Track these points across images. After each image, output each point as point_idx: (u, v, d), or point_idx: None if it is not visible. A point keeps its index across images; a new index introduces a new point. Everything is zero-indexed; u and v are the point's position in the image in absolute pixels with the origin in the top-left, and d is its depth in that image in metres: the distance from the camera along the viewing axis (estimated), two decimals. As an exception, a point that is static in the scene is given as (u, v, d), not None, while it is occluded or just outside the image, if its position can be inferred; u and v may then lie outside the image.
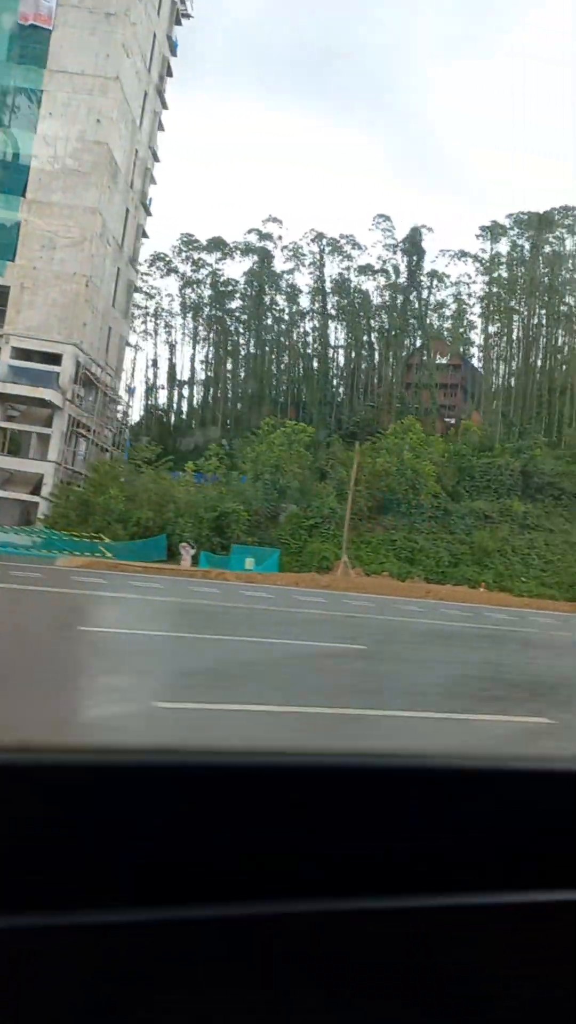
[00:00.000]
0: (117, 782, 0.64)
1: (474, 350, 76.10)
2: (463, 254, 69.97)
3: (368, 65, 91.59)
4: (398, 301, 69.75)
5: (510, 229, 68.80)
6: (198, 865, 0.65)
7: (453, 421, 66.00)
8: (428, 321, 71.91)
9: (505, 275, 71.36)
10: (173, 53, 50.54)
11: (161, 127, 50.87)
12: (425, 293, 71.64)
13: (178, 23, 50.45)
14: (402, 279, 64.82)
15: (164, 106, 50.55)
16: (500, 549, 40.10)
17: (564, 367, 64.66)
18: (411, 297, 64.95)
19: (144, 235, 51.65)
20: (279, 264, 67.93)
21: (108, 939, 0.60)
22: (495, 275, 71.46)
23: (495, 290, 70.89)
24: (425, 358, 69.22)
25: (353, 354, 71.45)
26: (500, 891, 0.74)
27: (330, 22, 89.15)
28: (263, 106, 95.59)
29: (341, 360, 72.47)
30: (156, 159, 51.07)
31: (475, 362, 75.74)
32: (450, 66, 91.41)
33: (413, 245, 62.99)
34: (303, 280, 66.64)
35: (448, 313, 72.59)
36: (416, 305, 66.61)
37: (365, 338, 70.97)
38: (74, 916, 0.59)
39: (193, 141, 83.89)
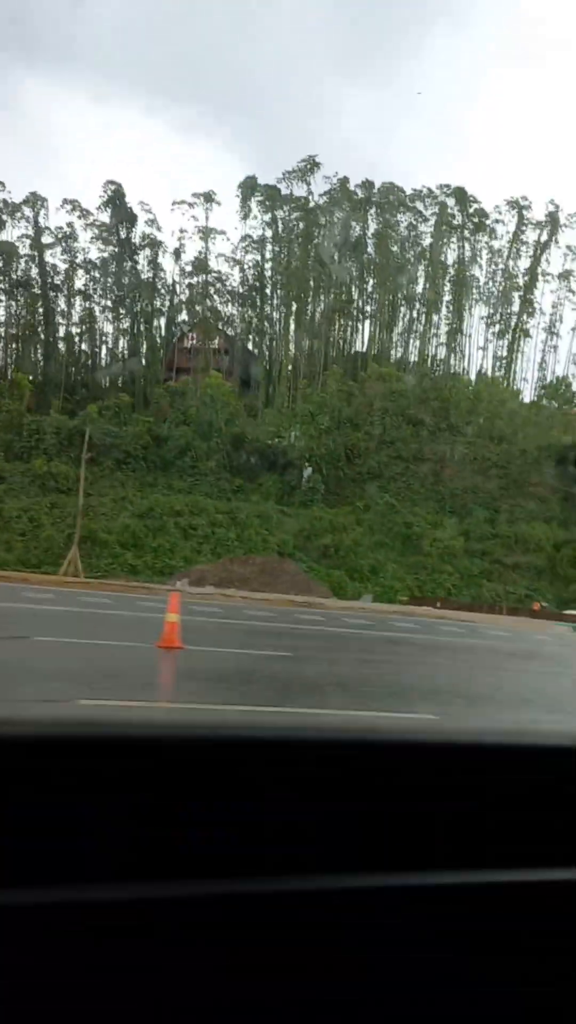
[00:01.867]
0: (100, 753, 0.60)
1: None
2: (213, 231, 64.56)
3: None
4: (175, 281, 65.95)
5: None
6: (186, 841, 0.61)
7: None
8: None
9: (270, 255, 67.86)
10: None
11: None
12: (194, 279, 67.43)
13: None
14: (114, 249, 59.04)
15: None
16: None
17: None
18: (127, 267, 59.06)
19: None
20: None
21: (93, 915, 0.58)
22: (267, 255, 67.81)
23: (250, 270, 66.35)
24: (189, 340, 66.88)
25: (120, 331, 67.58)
26: (498, 869, 0.71)
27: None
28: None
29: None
30: None
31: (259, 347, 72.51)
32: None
33: (116, 209, 56.75)
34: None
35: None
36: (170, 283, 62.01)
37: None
38: (59, 893, 0.57)
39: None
